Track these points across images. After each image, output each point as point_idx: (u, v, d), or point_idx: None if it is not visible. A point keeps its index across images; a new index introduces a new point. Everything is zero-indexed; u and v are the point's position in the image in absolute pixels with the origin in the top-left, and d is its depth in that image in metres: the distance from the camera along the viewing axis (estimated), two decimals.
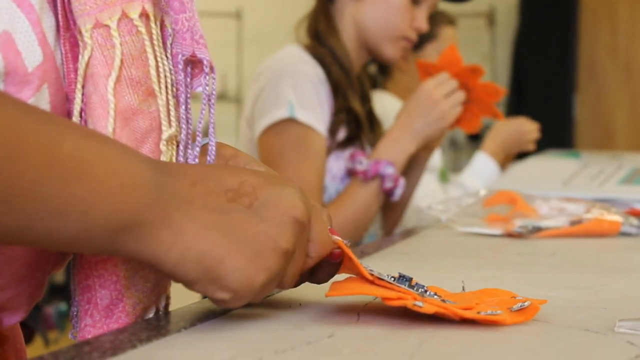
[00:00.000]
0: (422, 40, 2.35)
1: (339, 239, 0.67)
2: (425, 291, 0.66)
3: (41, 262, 0.63)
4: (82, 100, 0.62)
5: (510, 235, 1.21)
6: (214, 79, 0.68)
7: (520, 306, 0.65)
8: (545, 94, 4.87)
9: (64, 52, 0.62)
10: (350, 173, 1.59)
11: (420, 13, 1.69)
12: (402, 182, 1.56)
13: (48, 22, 0.61)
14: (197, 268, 0.57)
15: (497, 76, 5.42)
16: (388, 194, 1.56)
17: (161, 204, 0.56)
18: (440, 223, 1.34)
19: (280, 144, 1.60)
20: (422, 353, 0.55)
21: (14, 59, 0.58)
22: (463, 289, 0.73)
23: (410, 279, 0.66)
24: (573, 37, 5.01)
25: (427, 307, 0.61)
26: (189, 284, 0.58)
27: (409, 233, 1.27)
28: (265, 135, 1.61)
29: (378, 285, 0.64)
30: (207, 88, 0.68)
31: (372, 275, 0.64)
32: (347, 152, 1.67)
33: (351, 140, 1.68)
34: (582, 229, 1.23)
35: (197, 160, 0.68)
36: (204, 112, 0.68)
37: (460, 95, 1.59)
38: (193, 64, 0.68)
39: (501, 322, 0.62)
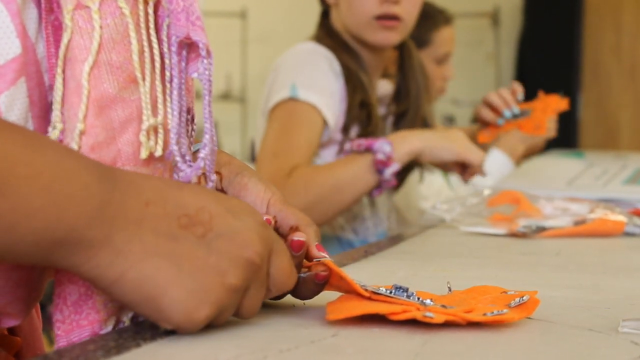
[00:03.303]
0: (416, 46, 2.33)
1: (328, 258, 0.66)
2: (418, 298, 0.65)
3: (37, 266, 0.61)
4: (63, 86, 0.58)
5: (514, 234, 1.21)
6: (210, 64, 0.63)
7: (520, 301, 0.65)
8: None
9: (45, 36, 0.58)
10: (349, 151, 1.53)
11: None
12: (395, 164, 1.48)
13: (29, 14, 0.58)
14: (137, 292, 0.54)
15: (501, 76, 5.42)
16: (379, 170, 1.48)
17: (105, 222, 0.53)
18: (444, 223, 1.34)
19: (278, 114, 1.61)
20: (427, 352, 0.55)
21: None
22: (449, 290, 0.73)
23: (407, 289, 0.65)
24: (577, 37, 5.00)
25: (437, 318, 0.60)
26: (127, 305, 0.56)
27: (412, 233, 1.27)
28: (268, 116, 1.63)
29: (376, 300, 0.63)
30: (206, 73, 0.63)
31: (367, 291, 0.63)
32: None
33: (363, 137, 1.66)
34: (586, 228, 1.23)
35: (191, 149, 0.64)
36: (205, 98, 0.63)
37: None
38: (189, 47, 0.63)
39: (510, 321, 0.62)
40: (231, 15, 5.90)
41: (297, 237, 0.66)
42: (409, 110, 1.80)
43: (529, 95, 1.83)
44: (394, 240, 1.18)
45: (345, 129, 1.66)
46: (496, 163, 2.31)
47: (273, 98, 1.63)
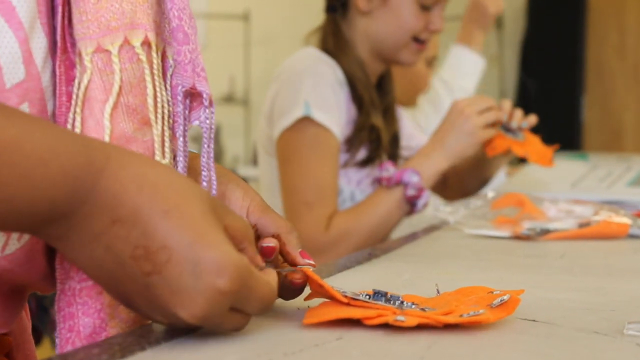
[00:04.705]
0: None
1: (307, 266, 0.66)
2: (402, 302, 0.65)
3: (22, 280, 0.63)
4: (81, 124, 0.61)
5: (518, 237, 1.21)
6: (212, 113, 0.66)
7: (501, 301, 0.65)
8: (553, 96, 4.86)
9: (58, 74, 0.61)
10: (378, 181, 1.58)
11: (434, 16, 1.69)
12: (426, 193, 1.54)
13: (38, 42, 0.60)
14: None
15: (504, 78, 5.41)
16: (411, 203, 1.55)
17: (61, 232, 0.54)
18: (448, 225, 1.34)
19: (297, 143, 1.61)
20: (432, 355, 0.55)
21: None
22: (438, 292, 0.73)
23: (386, 293, 0.65)
24: (581, 39, 5.00)
25: (409, 321, 0.60)
26: None
27: (417, 235, 1.27)
28: (283, 135, 1.63)
29: (354, 306, 0.63)
30: (206, 122, 0.66)
31: (345, 297, 0.63)
32: (367, 169, 1.68)
33: (371, 160, 1.68)
34: (591, 231, 1.23)
35: None
36: (205, 145, 0.67)
37: (493, 115, 1.56)
38: (192, 96, 0.67)
39: (485, 321, 0.62)
40: (234, 17, 5.91)
41: (266, 243, 0.66)
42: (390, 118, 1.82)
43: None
44: (399, 242, 1.18)
45: (352, 148, 1.66)
46: (462, 59, 2.34)
47: (286, 116, 1.62)
